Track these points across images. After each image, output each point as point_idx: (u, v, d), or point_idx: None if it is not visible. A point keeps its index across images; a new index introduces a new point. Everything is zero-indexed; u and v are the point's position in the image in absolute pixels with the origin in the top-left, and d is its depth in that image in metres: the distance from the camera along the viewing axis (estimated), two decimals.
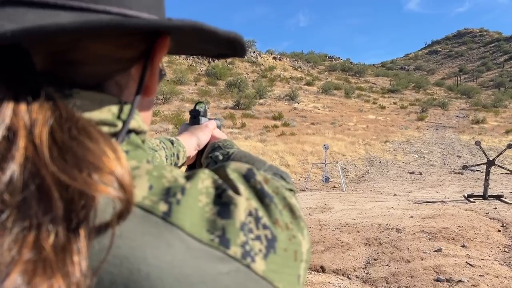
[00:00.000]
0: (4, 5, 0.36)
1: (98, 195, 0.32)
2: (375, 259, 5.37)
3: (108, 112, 0.43)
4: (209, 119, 1.06)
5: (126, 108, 0.45)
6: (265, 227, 0.40)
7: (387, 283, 4.61)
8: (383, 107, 40.55)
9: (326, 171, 14.47)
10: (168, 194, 0.38)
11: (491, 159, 10.38)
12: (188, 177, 0.41)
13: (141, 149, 0.47)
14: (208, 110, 1.08)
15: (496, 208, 8.68)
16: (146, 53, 0.47)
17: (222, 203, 0.39)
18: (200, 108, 1.05)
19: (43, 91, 0.36)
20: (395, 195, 11.77)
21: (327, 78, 60.98)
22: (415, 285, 4.46)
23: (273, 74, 54.19)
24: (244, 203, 0.40)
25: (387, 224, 7.00)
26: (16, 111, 0.33)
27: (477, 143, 10.67)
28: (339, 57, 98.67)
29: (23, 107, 0.34)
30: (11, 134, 0.32)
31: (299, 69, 64.01)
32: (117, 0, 0.41)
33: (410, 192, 12.53)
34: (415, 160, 20.60)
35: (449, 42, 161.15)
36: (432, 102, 44.70)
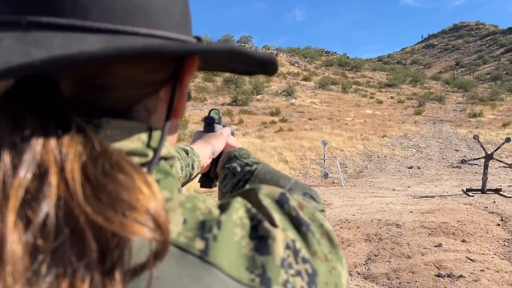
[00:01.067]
0: (30, 29, 0.34)
1: (134, 236, 0.31)
2: (375, 255, 5.38)
3: (137, 141, 0.41)
4: (223, 126, 1.04)
5: (156, 135, 0.43)
6: (304, 260, 0.39)
7: (388, 279, 4.62)
8: (380, 102, 40.56)
9: (325, 166, 14.49)
10: (204, 228, 0.36)
11: (489, 152, 10.41)
12: (222, 208, 0.39)
13: (171, 176, 0.45)
14: (222, 117, 1.06)
15: (495, 202, 8.71)
16: (175, 74, 0.46)
17: (259, 236, 0.38)
18: (214, 115, 1.03)
19: (73, 122, 0.34)
20: (394, 190, 11.80)
21: (324, 73, 60.93)
22: (416, 281, 4.47)
23: None
24: (281, 235, 0.38)
25: (386, 220, 7.02)
26: (46, 145, 0.31)
27: (476, 137, 10.68)
28: (335, 52, 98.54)
29: (53, 141, 0.32)
30: (42, 170, 0.30)
31: (296, 64, 63.89)
32: (146, 20, 0.39)
33: (409, 186, 12.56)
34: (413, 155, 20.64)
35: (445, 36, 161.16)
36: (429, 96, 44.72)
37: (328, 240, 0.43)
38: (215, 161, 0.97)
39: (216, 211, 0.38)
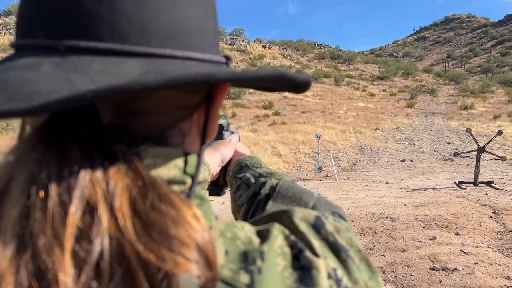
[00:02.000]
0: (68, 54, 0.33)
1: (185, 274, 0.30)
2: (370, 249, 5.41)
3: (175, 168, 0.40)
4: (231, 132, 1.02)
5: (192, 160, 0.42)
6: None
7: (383, 273, 4.65)
8: (372, 95, 40.63)
9: (319, 160, 14.51)
10: (247, 260, 0.35)
11: (481, 145, 10.49)
12: (262, 236, 0.39)
13: (206, 201, 0.44)
14: (229, 123, 1.04)
15: (487, 194, 8.80)
16: (208, 97, 0.45)
17: (302, 267, 0.37)
18: (223, 121, 1.00)
19: (117, 152, 0.33)
20: (387, 183, 11.87)
21: (316, 66, 60.85)
22: (411, 275, 4.50)
23: (263, 63, 53.91)
24: (324, 264, 0.37)
25: (381, 213, 7.05)
26: (93, 179, 0.31)
27: (468, 130, 10.76)
28: (328, 45, 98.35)
29: (99, 173, 0.31)
30: (91, 207, 0.30)
31: (288, 57, 63.69)
32: (183, 42, 0.39)
33: (402, 179, 12.64)
34: (405, 147, 20.76)
35: (437, 28, 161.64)
36: (421, 89, 44.89)
37: (367, 266, 0.42)
38: (224, 168, 0.96)
39: (256, 240, 0.38)
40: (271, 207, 0.63)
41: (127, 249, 0.29)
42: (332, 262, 0.39)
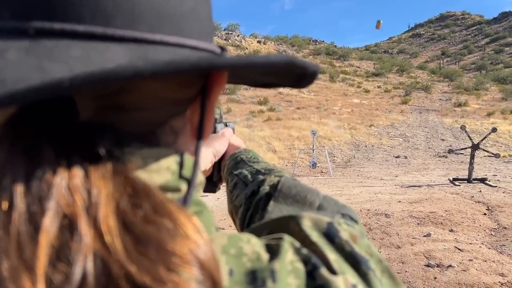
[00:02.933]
0: (39, 38, 0.27)
1: None
2: None
3: (167, 172, 0.34)
4: (225, 124, 0.96)
5: (188, 161, 0.37)
6: None
7: None
8: (367, 91, 40.74)
9: (313, 156, 14.52)
10: (255, 281, 0.30)
11: (475, 142, 10.54)
12: (272, 250, 0.34)
13: (205, 209, 0.38)
14: (222, 114, 0.99)
15: (481, 191, 8.85)
16: (203, 91, 0.40)
17: (318, 287, 0.32)
18: (215, 114, 0.96)
19: (103, 154, 0.28)
20: (381, 179, 11.90)
21: (311, 62, 60.88)
22: (406, 271, 4.51)
23: None
24: (342, 282, 0.32)
25: (375, 209, 7.07)
26: (71, 185, 0.26)
27: (463, 127, 10.80)
28: (323, 41, 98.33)
29: (78, 178, 0.26)
30: (69, 220, 0.24)
31: (283, 53, 63.36)
32: (175, 28, 0.34)
33: (396, 176, 12.68)
34: (400, 144, 20.84)
35: (431, 25, 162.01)
36: (416, 86, 45.05)
37: (390, 279, 0.37)
38: (217, 163, 0.90)
39: (264, 256, 0.33)
40: (273, 208, 0.56)
41: (116, 271, 0.24)
42: (351, 277, 0.34)
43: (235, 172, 0.75)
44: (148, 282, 0.24)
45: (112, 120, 0.33)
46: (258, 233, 0.39)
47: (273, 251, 0.33)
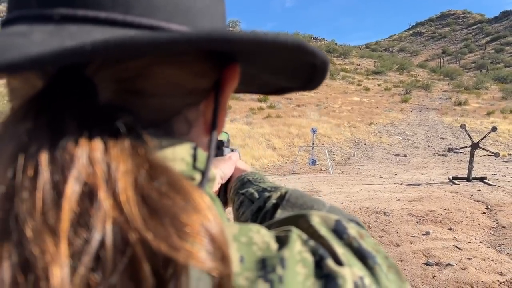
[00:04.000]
0: (63, 22, 0.30)
1: (197, 266, 0.26)
2: None
3: (181, 162, 0.36)
4: (231, 149, 0.98)
5: (201, 156, 0.38)
6: None
7: None
8: (367, 89, 40.73)
9: (313, 154, 14.52)
10: (266, 268, 0.31)
11: (475, 141, 10.54)
12: (281, 240, 0.35)
13: (216, 201, 0.39)
14: (230, 140, 1.00)
15: (480, 190, 8.85)
16: (217, 84, 0.41)
17: (325, 276, 0.33)
18: (223, 137, 0.96)
19: (123, 130, 0.29)
20: (381, 177, 11.90)
21: None
22: (405, 269, 4.51)
23: None
24: (349, 273, 0.33)
25: (375, 207, 7.07)
26: (92, 157, 0.27)
27: (463, 126, 10.79)
28: (324, 38, 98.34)
29: (99, 151, 0.27)
30: (89, 188, 0.26)
31: None
32: (191, 20, 0.36)
33: (396, 174, 12.68)
34: (399, 142, 20.83)
35: (432, 24, 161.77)
36: (416, 84, 45.05)
37: (396, 274, 0.38)
38: (224, 186, 0.92)
39: (274, 245, 0.34)
40: (280, 215, 0.56)
41: (133, 237, 0.25)
42: (358, 270, 0.34)
43: (241, 192, 0.75)
44: (163, 249, 0.25)
45: (129, 105, 0.34)
46: (269, 229, 0.40)
47: (282, 241, 0.34)
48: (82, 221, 0.24)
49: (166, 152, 0.35)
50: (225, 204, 0.92)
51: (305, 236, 0.36)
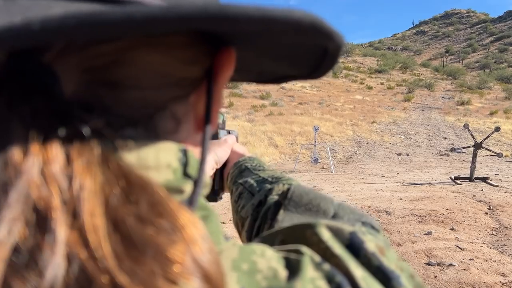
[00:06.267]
0: None
1: None
2: None
3: (167, 170, 0.29)
4: (228, 131, 0.93)
5: (192, 159, 0.31)
6: None
7: None
8: (370, 88, 40.61)
9: (315, 152, 14.50)
10: None
11: (478, 141, 10.50)
12: (290, 266, 0.29)
13: (212, 214, 0.33)
14: (226, 121, 0.95)
15: (482, 190, 8.82)
16: (209, 72, 0.34)
17: None
18: (218, 119, 0.93)
19: (91, 135, 0.23)
20: (383, 176, 11.87)
21: None
22: None
23: None
24: None
25: (376, 207, 7.06)
26: (45, 172, 0.20)
27: (466, 125, 10.75)
28: None
29: (58, 165, 0.21)
30: (41, 215, 0.19)
31: None
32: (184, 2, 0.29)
33: (398, 173, 12.65)
34: (401, 141, 20.79)
35: (436, 23, 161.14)
36: (419, 83, 44.88)
37: None
38: (219, 171, 0.87)
39: (282, 273, 0.28)
40: (283, 217, 0.51)
41: (101, 282, 0.19)
42: None
43: (239, 181, 0.70)
44: None
45: (102, 99, 0.27)
46: (269, 242, 0.35)
47: (292, 267, 0.29)
48: (30, 260, 0.18)
49: (148, 159, 0.28)
50: (221, 190, 0.88)
51: (317, 258, 0.30)
